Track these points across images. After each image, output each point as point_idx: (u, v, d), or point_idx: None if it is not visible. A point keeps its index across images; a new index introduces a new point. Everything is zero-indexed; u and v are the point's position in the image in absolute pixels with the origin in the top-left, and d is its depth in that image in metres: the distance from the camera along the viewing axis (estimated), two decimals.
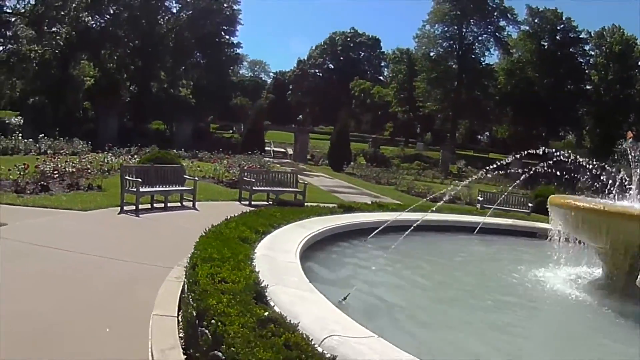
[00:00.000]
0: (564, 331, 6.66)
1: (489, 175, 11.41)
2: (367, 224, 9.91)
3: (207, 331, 4.01)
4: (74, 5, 34.89)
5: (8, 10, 36.26)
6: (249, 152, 31.46)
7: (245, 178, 16.50)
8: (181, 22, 49.46)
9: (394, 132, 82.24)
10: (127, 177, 12.89)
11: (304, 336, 3.83)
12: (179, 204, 14.02)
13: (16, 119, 35.15)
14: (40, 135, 25.41)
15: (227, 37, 56.11)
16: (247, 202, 15.09)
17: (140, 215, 12.12)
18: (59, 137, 27.36)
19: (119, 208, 12.36)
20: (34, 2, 36.55)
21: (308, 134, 53.21)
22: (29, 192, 13.67)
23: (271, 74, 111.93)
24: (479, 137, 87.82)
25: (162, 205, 13.47)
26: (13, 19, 35.32)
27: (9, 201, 12.29)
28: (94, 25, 42.87)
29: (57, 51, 36.40)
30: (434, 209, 9.77)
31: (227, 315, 4.02)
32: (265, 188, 16.39)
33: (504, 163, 10.82)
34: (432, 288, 7.84)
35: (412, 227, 7.90)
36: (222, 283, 4.83)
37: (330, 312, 4.75)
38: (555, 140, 65.17)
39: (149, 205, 13.25)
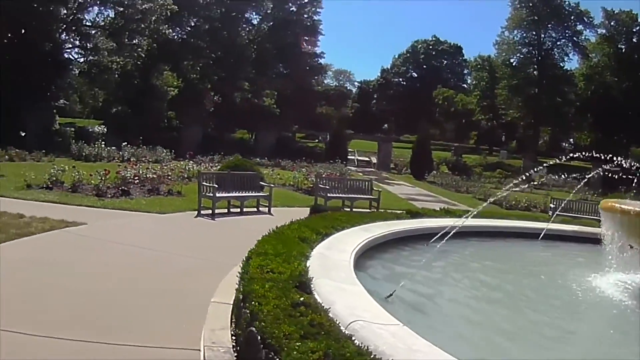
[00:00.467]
0: (605, 335, 6.71)
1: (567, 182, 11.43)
2: (431, 229, 9.90)
3: (247, 311, 4.59)
4: (153, 18, 36.90)
5: (88, 24, 38.76)
6: (332, 161, 32.19)
7: (320, 185, 17.14)
8: (262, 33, 51.36)
9: (478, 141, 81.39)
10: (204, 183, 13.95)
11: (330, 318, 4.31)
12: (254, 209, 14.97)
13: (99, 128, 37.45)
14: (124, 144, 27.32)
15: (309, 47, 57.62)
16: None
17: (215, 219, 13.11)
18: (142, 145, 29.25)
19: (196, 212, 13.43)
20: (113, 16, 38.87)
21: (391, 143, 53.50)
22: (109, 195, 15.03)
23: (356, 83, 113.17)
24: (564, 144, 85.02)
25: (238, 210, 14.43)
26: (93, 32, 37.87)
27: (90, 204, 13.68)
28: (175, 37, 45.35)
29: (138, 62, 38.71)
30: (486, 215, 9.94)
31: (265, 297, 4.58)
32: (340, 195, 16.88)
33: (585, 176, 10.86)
34: (478, 287, 8.08)
35: (473, 233, 8.18)
36: (269, 273, 5.36)
37: (365, 303, 5.16)
38: (638, 147, 61.88)
39: (225, 210, 14.25)
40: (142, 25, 36.66)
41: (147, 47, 38.01)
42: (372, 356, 3.68)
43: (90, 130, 36.15)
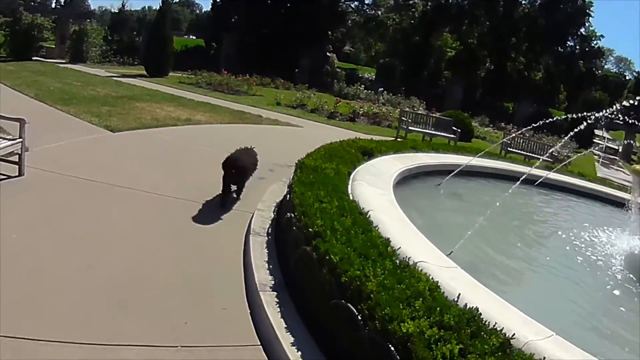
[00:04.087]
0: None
1: None
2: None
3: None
4: None
5: None
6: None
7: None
8: (535, 8, 50.92)
9: None
10: (402, 118, 17.75)
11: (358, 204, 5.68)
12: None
13: (369, 75, 42.77)
14: (380, 89, 31.77)
15: (582, 29, 55.15)
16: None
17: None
18: (402, 94, 33.24)
19: (395, 138, 17.01)
20: None
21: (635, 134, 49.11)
22: (337, 119, 19.63)
23: (634, 72, 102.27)
24: None
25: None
26: None
27: (317, 120, 18.45)
28: (452, 2, 48.06)
29: (412, 21, 42.66)
30: None
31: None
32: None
33: None
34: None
35: None
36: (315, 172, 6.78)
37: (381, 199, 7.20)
38: None
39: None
40: None
41: (422, 9, 41.76)
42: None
43: (360, 75, 41.49)
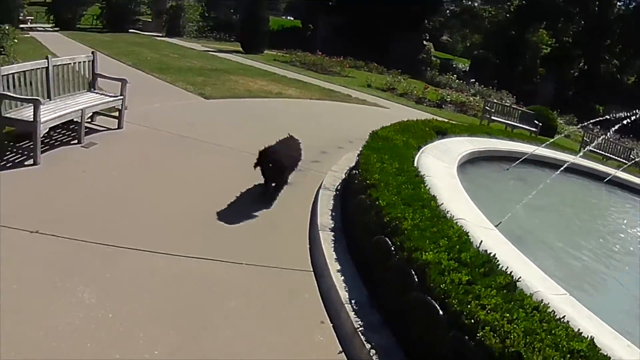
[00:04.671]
0: None
1: None
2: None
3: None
4: None
5: None
6: None
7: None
8: (629, 12, 48.47)
9: None
10: (486, 107, 17.97)
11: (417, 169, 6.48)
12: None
13: (463, 66, 42.37)
14: (472, 80, 31.61)
15: None
16: None
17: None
18: (491, 87, 32.96)
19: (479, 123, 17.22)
20: None
21: None
22: (425, 104, 20.02)
23: None
24: None
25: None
26: None
27: (404, 103, 18.91)
28: None
29: (507, 15, 41.82)
30: None
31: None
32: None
33: None
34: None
35: None
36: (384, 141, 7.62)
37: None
38: None
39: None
40: None
41: (517, 3, 40.87)
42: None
43: (454, 65, 41.28)
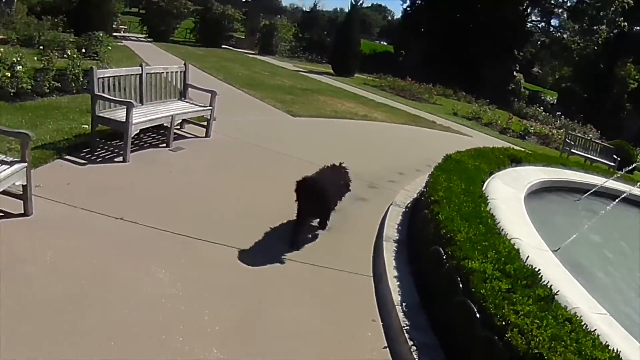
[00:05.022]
0: None
1: None
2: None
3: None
4: (612, 8, 37.74)
5: (552, 2, 41.54)
6: None
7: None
8: None
9: None
10: (567, 140, 17.67)
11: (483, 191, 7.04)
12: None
13: (551, 98, 41.09)
14: (557, 113, 30.67)
15: None
16: None
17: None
18: (578, 121, 31.91)
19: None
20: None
21: None
22: (509, 135, 19.81)
23: None
24: None
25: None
26: (556, 10, 40.74)
27: (488, 132, 18.76)
28: (635, 31, 44.50)
29: (595, 48, 40.34)
30: None
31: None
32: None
33: None
34: None
35: None
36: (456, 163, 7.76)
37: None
38: None
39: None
40: (601, 13, 38.04)
41: (605, 35, 39.35)
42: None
43: (542, 97, 40.18)
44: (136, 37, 33.77)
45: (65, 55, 14.29)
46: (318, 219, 5.96)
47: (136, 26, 39.05)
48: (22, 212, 5.07)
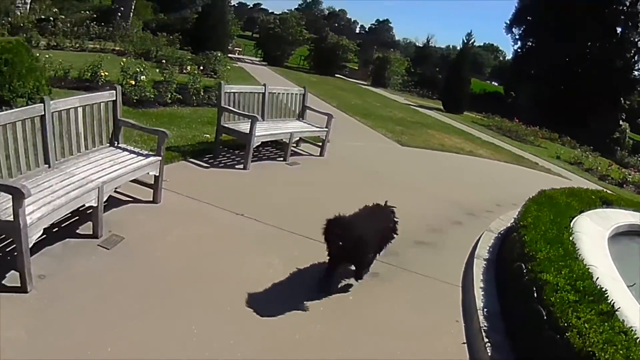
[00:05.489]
0: None
1: None
2: None
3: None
4: None
5: None
6: None
7: None
8: None
9: None
10: None
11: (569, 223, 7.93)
12: None
13: None
14: None
15: None
16: None
17: None
18: None
19: None
20: None
21: None
22: (607, 181, 19.27)
23: None
24: None
25: None
26: None
27: (589, 179, 18.19)
28: None
29: None
30: None
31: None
32: None
33: None
34: None
35: None
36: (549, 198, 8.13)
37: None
38: None
39: None
40: None
41: None
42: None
43: None
44: (251, 60, 34.62)
45: (184, 71, 15.47)
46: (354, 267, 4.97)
47: (251, 49, 40.10)
48: (151, 199, 5.97)
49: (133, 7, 30.99)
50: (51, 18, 24.61)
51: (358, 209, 5.03)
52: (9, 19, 23.37)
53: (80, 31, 24.55)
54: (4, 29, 21.64)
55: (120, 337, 3.61)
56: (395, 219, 5.35)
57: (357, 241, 4.47)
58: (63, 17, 25.49)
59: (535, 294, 4.37)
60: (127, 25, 28.74)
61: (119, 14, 29.52)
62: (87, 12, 28.49)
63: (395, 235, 5.37)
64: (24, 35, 18.28)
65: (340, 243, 4.38)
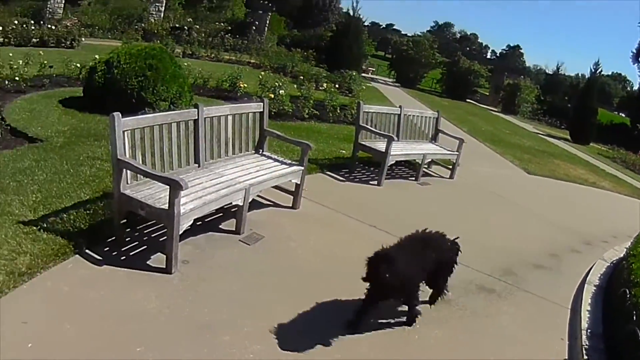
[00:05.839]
0: None
1: None
2: None
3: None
4: None
5: None
6: None
7: None
8: None
9: None
10: None
11: None
12: None
13: None
14: None
15: None
16: None
17: None
18: None
19: None
20: None
21: None
22: None
23: None
24: None
25: None
26: None
27: None
28: None
29: None
30: None
31: None
32: None
33: None
34: None
35: None
36: None
37: None
38: None
39: None
40: None
41: None
42: None
43: None
44: (384, 80, 34.79)
45: (320, 88, 15.78)
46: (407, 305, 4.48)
47: (384, 69, 40.20)
48: (291, 205, 6.56)
49: (268, 22, 31.94)
50: (185, 27, 25.81)
51: (402, 240, 4.52)
52: (143, 24, 24.85)
53: (215, 42, 25.41)
54: (137, 34, 23.31)
55: (261, 318, 4.09)
56: (447, 251, 4.67)
57: (400, 280, 3.99)
58: (197, 26, 26.61)
59: (634, 317, 4.63)
60: (261, 39, 29.60)
61: (254, 27, 30.52)
62: (222, 24, 29.73)
63: (453, 269, 4.77)
64: (158, 41, 19.22)
65: (381, 279, 3.91)
